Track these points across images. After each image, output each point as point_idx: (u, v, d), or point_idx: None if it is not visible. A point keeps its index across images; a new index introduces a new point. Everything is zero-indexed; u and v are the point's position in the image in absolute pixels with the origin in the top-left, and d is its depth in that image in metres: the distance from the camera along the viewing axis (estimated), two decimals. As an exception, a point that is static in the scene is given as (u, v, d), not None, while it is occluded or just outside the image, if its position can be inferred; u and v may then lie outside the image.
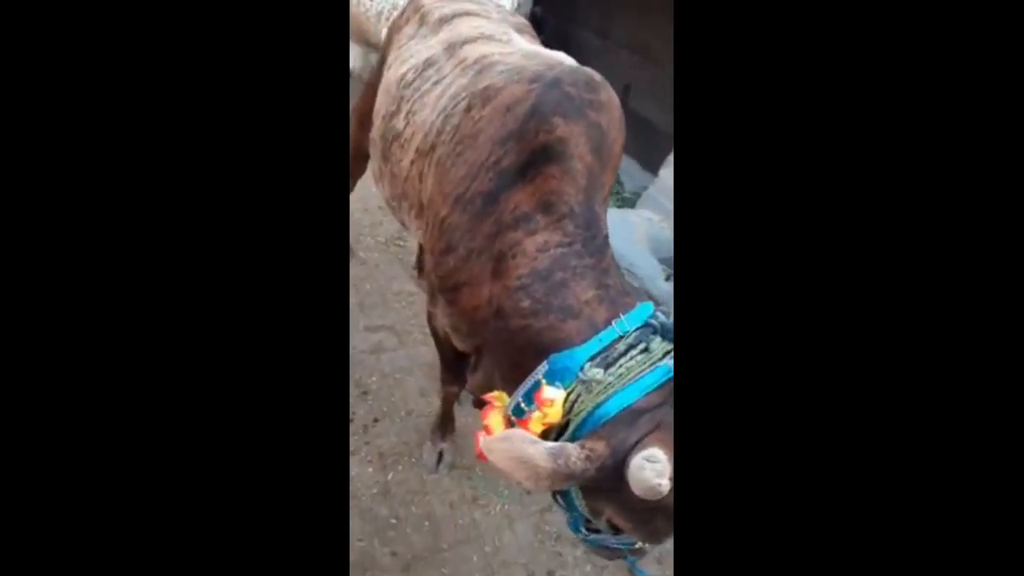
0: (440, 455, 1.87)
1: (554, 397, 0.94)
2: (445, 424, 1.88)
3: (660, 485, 0.81)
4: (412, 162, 1.35)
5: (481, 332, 1.17)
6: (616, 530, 0.98)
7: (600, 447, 0.88)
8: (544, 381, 0.96)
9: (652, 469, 0.81)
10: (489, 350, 1.20)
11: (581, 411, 0.94)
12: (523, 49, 1.41)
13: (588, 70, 1.17)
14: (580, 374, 0.95)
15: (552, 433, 0.98)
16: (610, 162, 1.14)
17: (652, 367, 0.93)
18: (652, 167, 3.10)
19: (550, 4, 5.81)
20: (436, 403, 1.99)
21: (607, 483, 0.89)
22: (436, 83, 1.39)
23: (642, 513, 0.91)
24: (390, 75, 1.58)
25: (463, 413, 1.99)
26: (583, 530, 1.02)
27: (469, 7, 1.63)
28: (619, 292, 1.05)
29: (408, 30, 1.68)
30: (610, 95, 1.14)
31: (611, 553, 1.09)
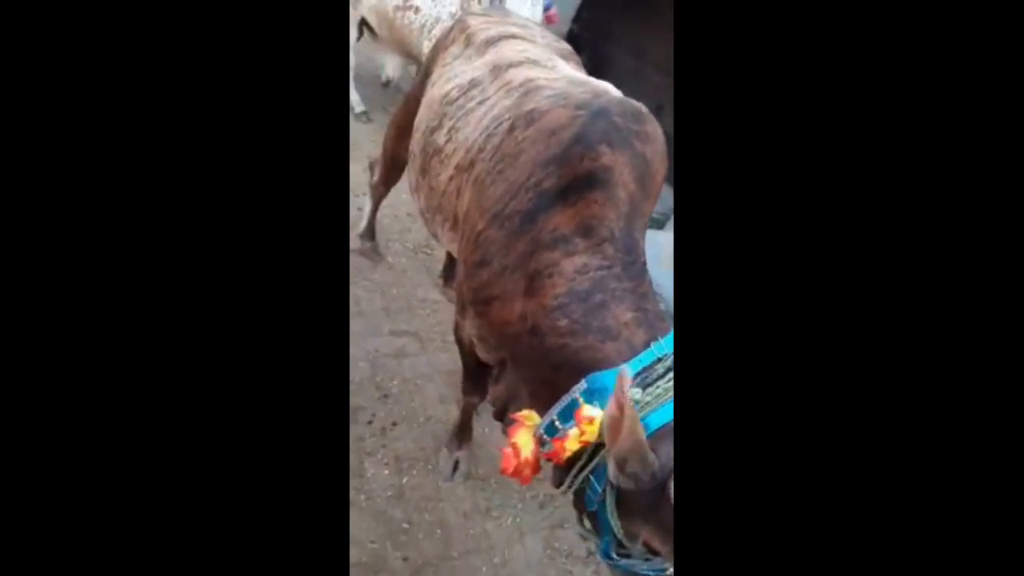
0: (456, 463, 1.88)
1: (594, 415, 0.95)
2: (462, 433, 1.90)
3: None
4: (451, 178, 1.39)
5: (510, 346, 1.18)
6: (652, 553, 0.98)
7: (652, 457, 0.89)
8: (582, 400, 0.97)
9: None
10: (518, 365, 1.20)
11: None
12: (568, 76, 1.44)
13: (635, 102, 1.19)
14: None
15: (586, 453, 0.99)
16: (652, 191, 1.16)
17: None
18: (682, 189, 3.09)
19: (587, 22, 5.88)
20: (455, 411, 2.01)
21: (648, 498, 0.89)
22: (480, 103, 1.42)
23: None
24: (434, 92, 1.63)
25: (480, 423, 2.00)
26: (614, 555, 1.01)
27: (514, 31, 1.67)
28: (656, 316, 1.06)
29: (454, 50, 1.73)
30: (656, 128, 1.17)
31: None
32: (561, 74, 1.45)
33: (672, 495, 0.86)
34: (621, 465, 0.89)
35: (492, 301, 1.17)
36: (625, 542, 0.98)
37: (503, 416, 1.39)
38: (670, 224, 2.85)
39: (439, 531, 1.76)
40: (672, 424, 0.92)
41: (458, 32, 1.76)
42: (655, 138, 1.15)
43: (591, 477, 0.99)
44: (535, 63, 1.48)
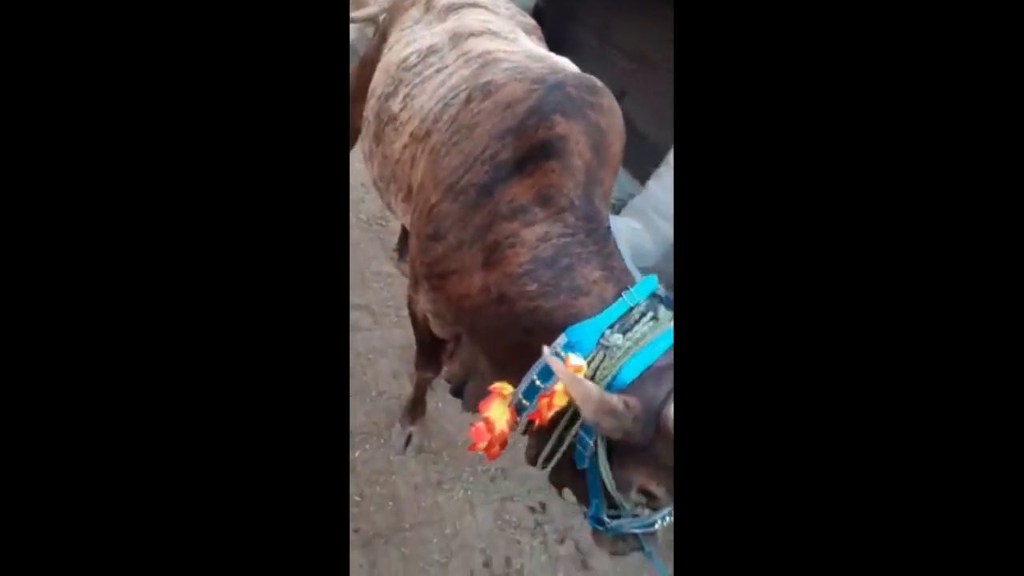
0: (409, 438, 1.89)
1: (579, 364, 0.95)
2: (415, 408, 1.90)
3: None
4: (405, 146, 1.36)
5: (468, 320, 1.18)
6: (648, 498, 0.98)
7: (633, 401, 0.91)
8: (564, 353, 0.97)
9: None
10: (480, 338, 1.20)
11: (606, 375, 0.96)
12: (528, 50, 1.43)
13: (591, 77, 1.19)
14: (601, 340, 0.97)
15: (572, 408, 0.99)
16: (609, 162, 1.16)
17: (664, 331, 0.97)
18: (641, 176, 3.15)
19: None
20: (408, 386, 2.00)
21: (640, 438, 0.91)
22: (438, 71, 1.39)
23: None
24: (391, 56, 1.58)
25: (434, 398, 2.01)
26: (605, 518, 1.01)
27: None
28: (623, 272, 1.07)
29: (413, 13, 1.68)
30: (612, 102, 1.17)
31: (627, 544, 1.08)
32: (521, 48, 1.44)
33: (669, 425, 0.86)
34: (597, 427, 0.90)
35: (449, 275, 1.16)
36: (617, 497, 0.98)
37: (460, 391, 1.40)
38: (627, 211, 2.90)
39: (391, 503, 1.77)
40: (657, 364, 0.94)
41: None
42: (610, 110, 1.16)
43: (580, 432, 0.99)
44: (496, 35, 1.47)
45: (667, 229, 2.52)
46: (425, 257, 1.21)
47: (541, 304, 1.03)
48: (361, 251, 2.57)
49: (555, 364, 0.91)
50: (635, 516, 1.00)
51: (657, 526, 1.01)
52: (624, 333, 0.96)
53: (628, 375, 0.95)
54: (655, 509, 1.00)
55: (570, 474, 1.07)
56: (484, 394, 1.07)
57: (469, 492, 1.89)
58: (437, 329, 1.39)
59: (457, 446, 2.00)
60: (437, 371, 1.65)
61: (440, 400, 2.02)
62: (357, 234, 2.65)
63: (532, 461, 1.15)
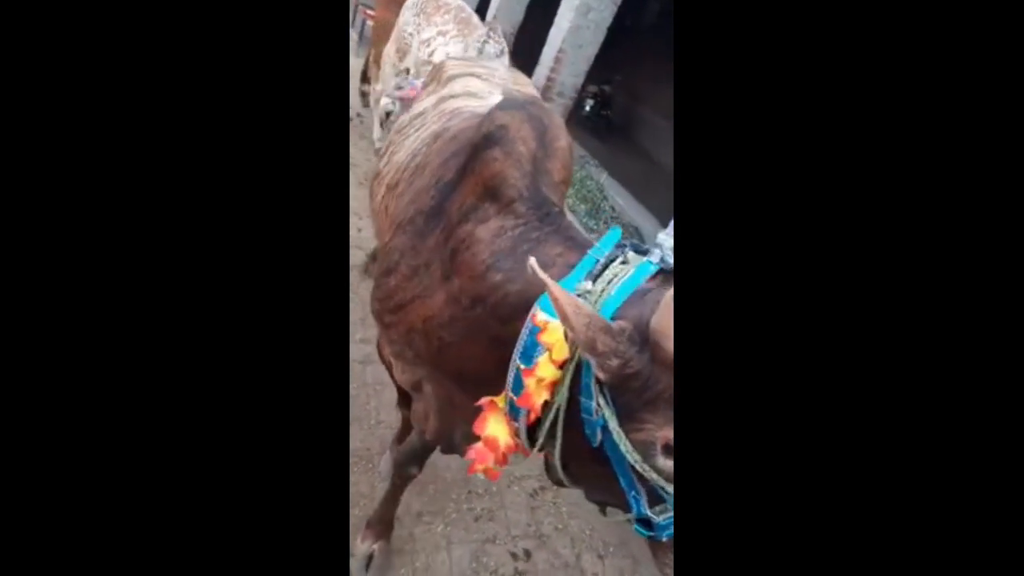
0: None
1: (548, 320, 0.87)
2: (404, 437, 1.92)
3: None
4: (382, 197, 1.47)
5: (435, 345, 1.13)
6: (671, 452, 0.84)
7: (622, 323, 0.83)
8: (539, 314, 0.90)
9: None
10: (448, 363, 1.13)
11: None
12: (490, 103, 1.51)
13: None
14: (575, 293, 0.89)
15: (567, 371, 0.90)
16: (556, 155, 1.14)
17: (636, 267, 0.91)
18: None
19: (621, 83, 6.13)
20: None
21: (638, 363, 0.82)
22: (418, 129, 1.52)
23: None
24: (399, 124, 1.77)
25: (428, 430, 2.03)
26: (653, 515, 0.87)
27: (478, 71, 1.79)
28: (586, 241, 1.03)
29: (430, 87, 1.87)
30: (553, 112, 1.23)
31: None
32: (488, 101, 1.53)
33: (660, 334, 0.77)
34: (592, 350, 0.80)
35: (406, 305, 1.15)
36: (640, 468, 0.84)
37: (451, 446, 1.33)
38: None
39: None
40: (636, 290, 0.88)
41: (435, 71, 1.92)
42: (552, 114, 1.19)
43: (580, 399, 0.88)
44: (474, 95, 1.59)
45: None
46: (378, 294, 1.21)
47: (509, 289, 0.99)
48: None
49: (535, 268, 0.81)
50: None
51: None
52: (595, 280, 0.91)
53: (608, 310, 0.87)
54: None
55: (593, 466, 0.92)
56: (475, 434, 1.02)
57: (448, 528, 1.84)
58: (399, 374, 1.37)
59: (445, 480, 1.98)
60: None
61: (433, 433, 2.03)
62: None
63: (532, 443, 0.99)
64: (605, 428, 0.84)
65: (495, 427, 0.95)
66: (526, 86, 1.83)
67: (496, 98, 1.56)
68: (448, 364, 1.14)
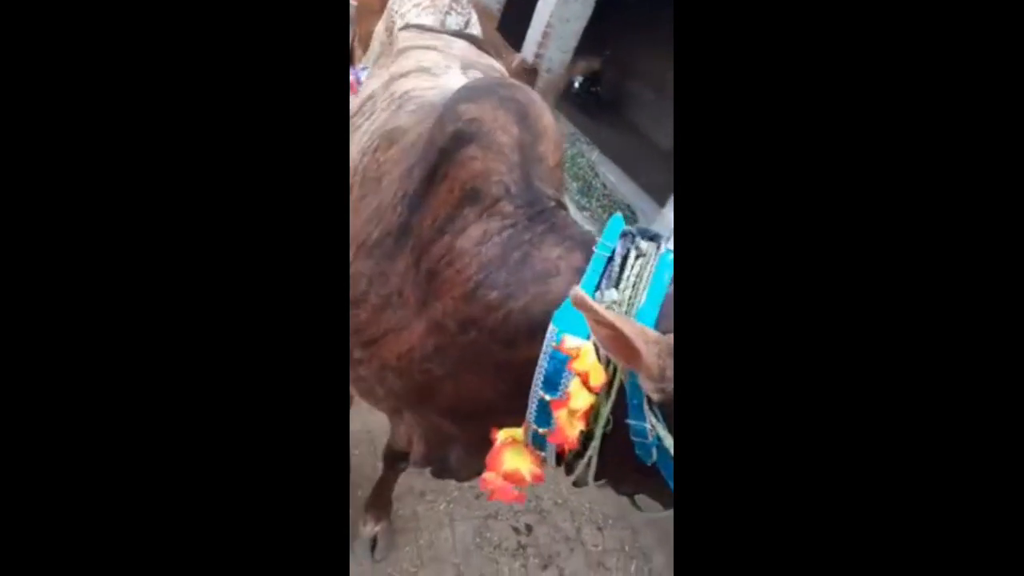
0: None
1: (579, 345, 0.77)
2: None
3: None
4: None
5: (411, 390, 1.03)
6: None
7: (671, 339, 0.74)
8: (560, 335, 0.80)
9: None
10: (448, 389, 0.98)
11: None
12: (446, 86, 1.29)
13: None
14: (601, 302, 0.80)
15: (608, 394, 0.81)
16: (544, 134, 0.97)
17: (657, 262, 0.83)
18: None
19: (610, 58, 6.05)
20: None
21: None
22: (367, 118, 1.30)
23: None
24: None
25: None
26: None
27: (433, 42, 1.60)
28: (585, 234, 0.92)
29: (380, 63, 1.70)
30: (526, 87, 1.05)
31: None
32: (443, 83, 1.32)
33: None
34: (663, 379, 0.71)
35: (379, 339, 1.01)
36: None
37: (444, 470, 1.22)
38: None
39: (369, 508, 1.80)
40: (668, 295, 0.79)
41: (386, 43, 1.74)
42: (526, 90, 1.02)
43: (630, 423, 0.78)
44: (426, 71, 1.40)
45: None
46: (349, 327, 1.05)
47: (512, 307, 0.86)
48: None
49: (585, 301, 0.69)
50: None
51: None
52: (617, 285, 0.82)
53: (648, 319, 0.77)
54: None
55: (637, 476, 0.85)
56: (474, 455, 0.94)
57: (451, 506, 1.87)
58: (373, 403, 1.23)
59: (446, 460, 2.01)
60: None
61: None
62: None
63: (570, 474, 0.91)
64: (660, 446, 0.77)
65: (515, 460, 0.88)
66: (486, 57, 1.70)
67: (454, 75, 1.40)
68: (440, 400, 1.01)
